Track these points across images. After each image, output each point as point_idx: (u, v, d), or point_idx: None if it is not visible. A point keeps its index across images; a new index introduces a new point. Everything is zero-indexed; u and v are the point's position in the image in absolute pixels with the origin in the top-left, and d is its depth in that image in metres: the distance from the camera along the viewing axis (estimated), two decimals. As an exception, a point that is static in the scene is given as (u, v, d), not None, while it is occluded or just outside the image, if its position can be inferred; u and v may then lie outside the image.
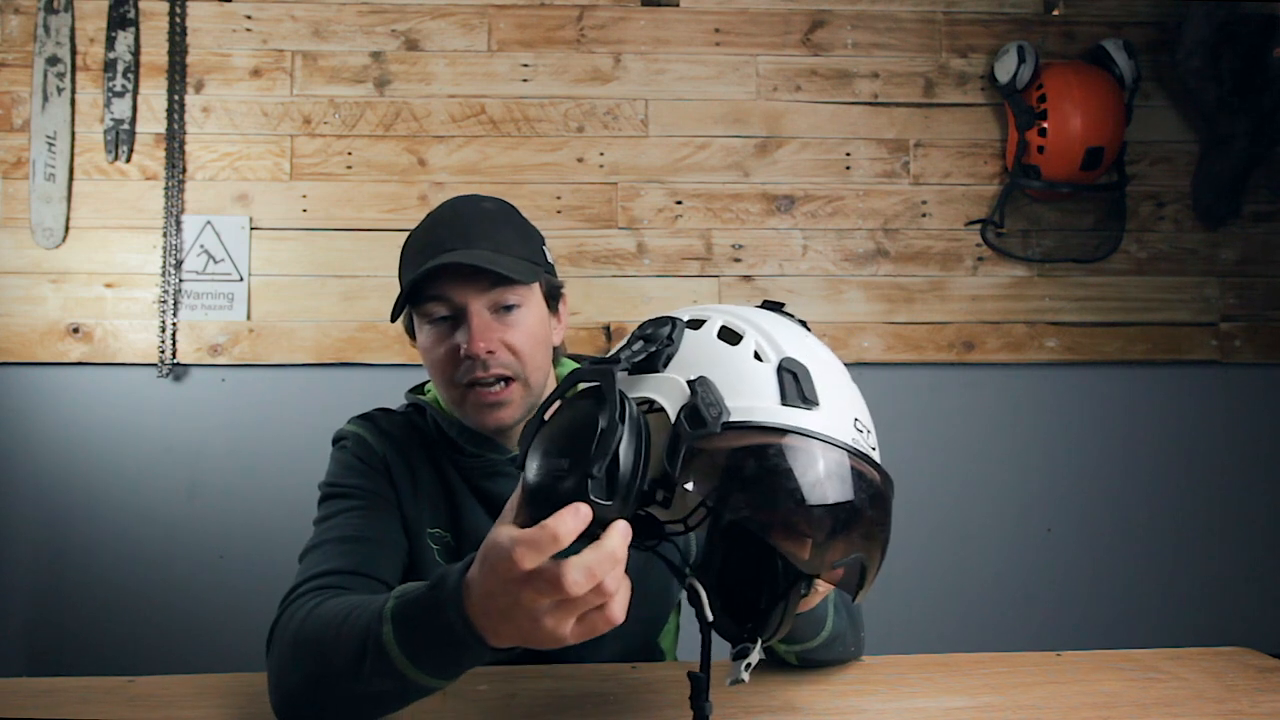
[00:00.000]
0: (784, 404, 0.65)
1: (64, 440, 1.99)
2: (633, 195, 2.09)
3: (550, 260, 1.08)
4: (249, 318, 2.02)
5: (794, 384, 0.65)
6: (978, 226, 2.13)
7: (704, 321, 0.70)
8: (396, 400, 1.15)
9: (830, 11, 2.15)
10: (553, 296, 1.07)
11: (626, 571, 0.62)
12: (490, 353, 0.97)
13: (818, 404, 0.65)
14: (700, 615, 0.70)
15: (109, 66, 2.01)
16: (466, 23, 2.09)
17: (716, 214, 2.11)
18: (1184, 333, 2.15)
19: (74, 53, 2.02)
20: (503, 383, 0.99)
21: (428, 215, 1.06)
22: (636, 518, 0.70)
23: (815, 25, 2.15)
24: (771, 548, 0.67)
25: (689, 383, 0.65)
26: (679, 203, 2.10)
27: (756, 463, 0.63)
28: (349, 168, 2.05)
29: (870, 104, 2.14)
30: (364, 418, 1.09)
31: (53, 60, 2.00)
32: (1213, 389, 2.16)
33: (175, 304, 2.00)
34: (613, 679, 0.96)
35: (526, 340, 1.00)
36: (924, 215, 2.14)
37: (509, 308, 0.99)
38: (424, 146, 2.07)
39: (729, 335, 0.69)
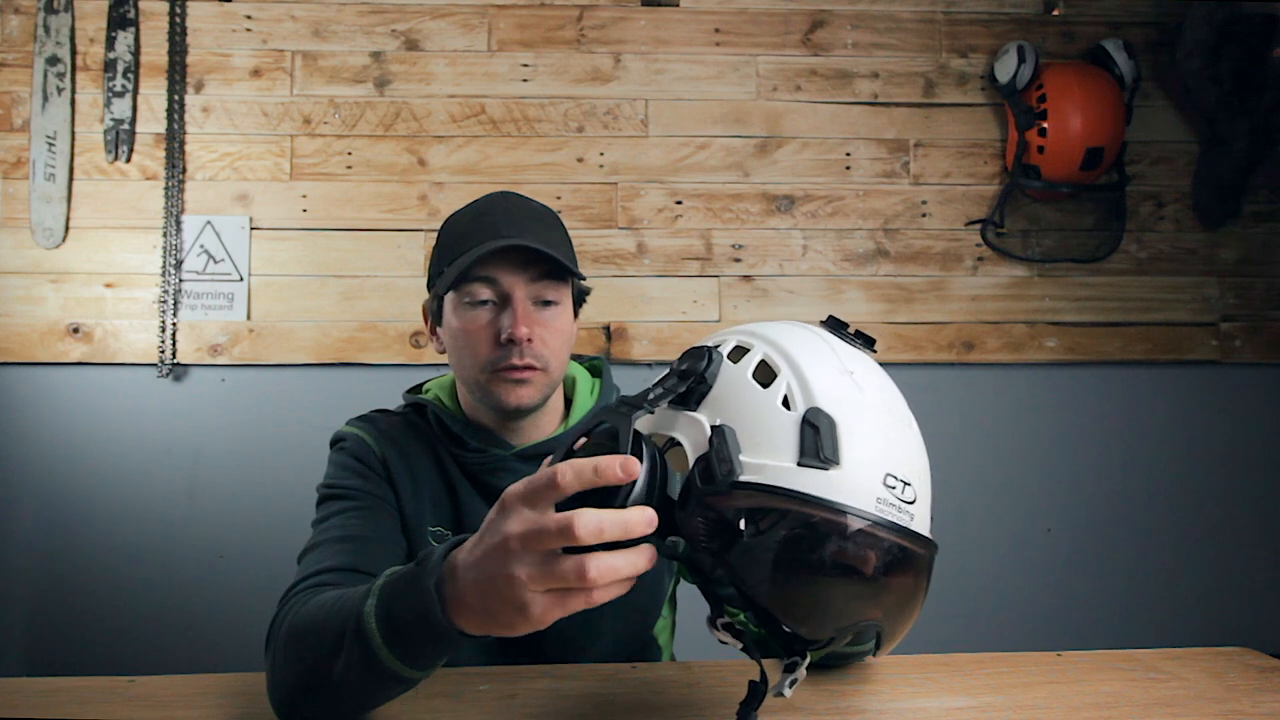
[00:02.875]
0: (800, 462, 0.61)
1: (64, 440, 1.99)
2: (633, 195, 2.09)
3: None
4: (249, 318, 2.02)
5: (814, 439, 0.61)
6: (978, 226, 2.13)
7: (747, 352, 0.67)
8: (396, 400, 1.15)
9: (830, 11, 2.15)
10: (578, 301, 1.10)
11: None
12: (529, 341, 1.00)
13: (838, 463, 0.61)
14: (747, 651, 0.69)
15: (109, 66, 2.01)
16: (466, 23, 2.09)
17: (716, 214, 2.11)
18: (1184, 333, 2.15)
19: (74, 53, 2.02)
20: (529, 369, 1.01)
21: (471, 204, 1.07)
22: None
23: (815, 25, 2.15)
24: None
25: (713, 429, 0.63)
26: (679, 203, 2.10)
27: (756, 529, 0.60)
28: (349, 168, 2.05)
29: (870, 104, 2.14)
30: (362, 419, 1.10)
31: (53, 60, 2.00)
32: (1213, 389, 2.16)
33: (175, 304, 2.00)
34: (613, 679, 0.95)
35: (557, 337, 1.03)
36: (924, 215, 2.14)
37: (547, 303, 1.03)
38: (424, 146, 2.07)
39: (764, 374, 0.65)
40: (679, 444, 0.65)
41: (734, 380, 0.66)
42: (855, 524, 0.60)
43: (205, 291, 2.01)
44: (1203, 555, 2.14)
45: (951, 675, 0.98)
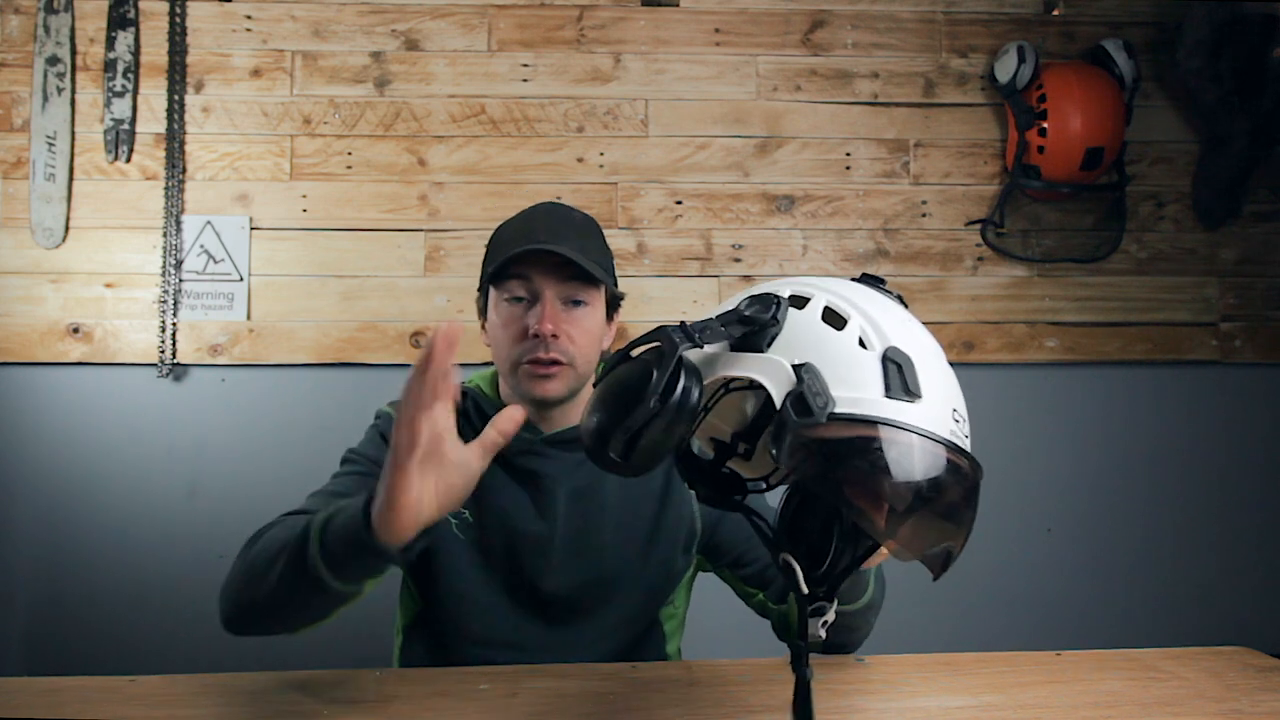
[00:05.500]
0: (888, 395, 0.65)
1: (64, 440, 1.99)
2: (633, 195, 2.09)
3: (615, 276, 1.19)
4: (249, 318, 2.02)
5: (898, 375, 0.65)
6: (978, 226, 2.13)
7: (808, 300, 0.70)
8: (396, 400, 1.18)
9: (830, 11, 2.15)
10: (612, 306, 1.17)
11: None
12: (554, 336, 1.07)
13: (920, 396, 0.65)
14: (795, 588, 0.72)
15: (109, 66, 2.01)
16: (466, 23, 2.09)
17: (716, 214, 2.11)
18: (1184, 333, 2.15)
19: (74, 53, 2.02)
20: (555, 364, 1.08)
21: (519, 213, 1.18)
22: (719, 475, 0.77)
23: (815, 25, 2.15)
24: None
25: (795, 368, 0.66)
26: (679, 203, 2.10)
27: (861, 456, 0.64)
28: (349, 168, 2.05)
29: (870, 104, 2.14)
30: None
31: (53, 60, 2.00)
32: (1213, 389, 2.16)
33: (175, 304, 2.00)
34: (613, 678, 0.96)
35: (584, 335, 1.10)
36: (924, 215, 2.14)
37: (577, 303, 1.10)
38: (424, 146, 2.07)
39: (833, 318, 0.69)
40: (743, 386, 0.69)
41: (805, 324, 0.69)
42: (943, 450, 0.65)
43: (205, 291, 2.01)
44: (1203, 555, 2.14)
45: (951, 675, 0.98)
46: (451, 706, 0.87)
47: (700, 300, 2.09)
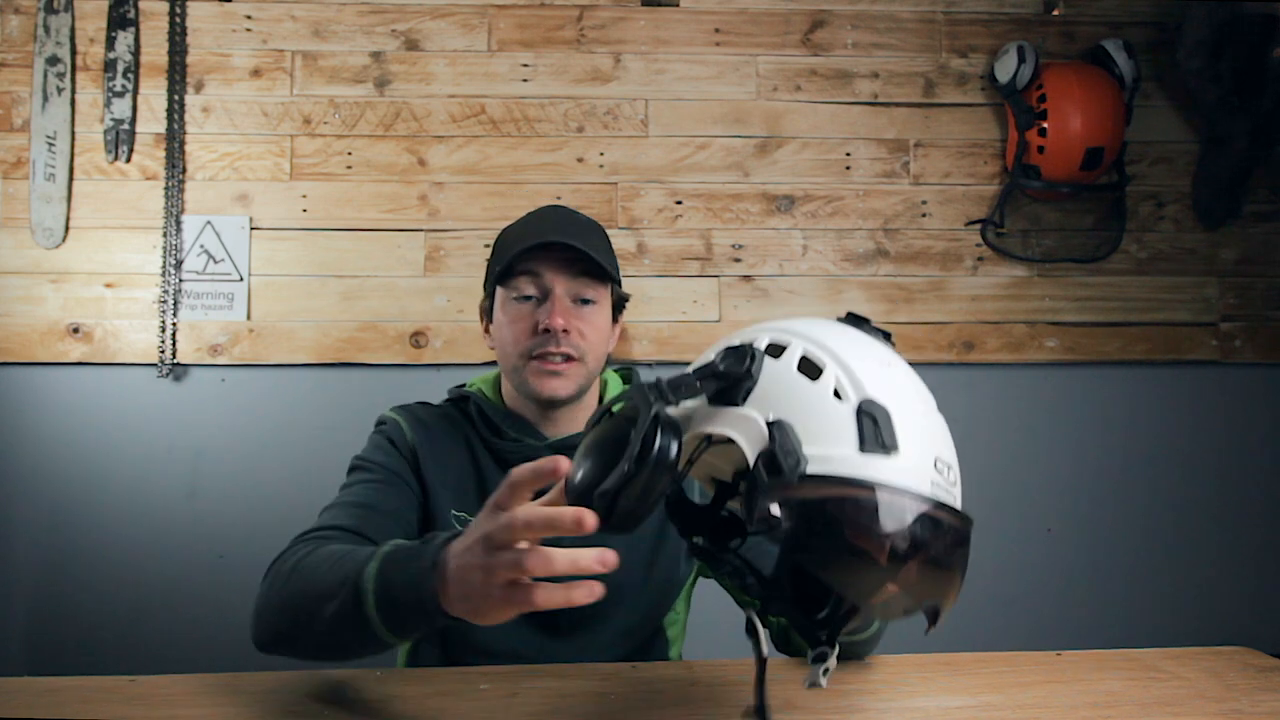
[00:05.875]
0: (863, 450, 0.63)
1: (64, 440, 1.99)
2: (633, 195, 2.10)
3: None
4: (249, 318, 2.02)
5: (873, 428, 0.63)
6: (978, 226, 2.13)
7: (784, 349, 0.68)
8: (395, 401, 1.20)
9: (830, 11, 2.15)
10: (618, 307, 1.18)
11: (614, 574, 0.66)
12: (565, 331, 1.08)
13: (897, 449, 0.63)
14: (756, 650, 0.71)
15: (109, 66, 2.01)
16: (466, 23, 2.09)
17: (716, 214, 2.11)
18: (1184, 333, 2.15)
19: (74, 53, 2.02)
20: (566, 360, 1.09)
21: (525, 216, 1.18)
22: (720, 518, 0.76)
23: (815, 25, 2.15)
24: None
25: (768, 424, 0.64)
26: (679, 203, 2.10)
27: (834, 517, 0.63)
28: (349, 168, 2.05)
29: (870, 104, 2.14)
30: (403, 408, 1.18)
31: (53, 60, 2.00)
32: (1213, 389, 2.16)
33: (175, 304, 2.00)
34: (613, 678, 0.96)
35: (595, 332, 1.11)
36: (924, 215, 2.14)
37: (585, 301, 1.11)
38: (424, 146, 2.07)
39: (809, 368, 0.67)
40: (724, 441, 0.67)
41: (780, 375, 0.67)
42: (923, 507, 0.63)
43: (205, 291, 2.01)
44: (1203, 555, 2.14)
45: (951, 675, 0.98)
46: (451, 706, 0.87)
47: (700, 300, 2.09)
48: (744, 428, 0.65)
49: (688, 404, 0.69)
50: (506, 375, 1.15)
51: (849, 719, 0.86)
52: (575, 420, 1.14)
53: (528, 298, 1.10)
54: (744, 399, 0.67)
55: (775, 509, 0.63)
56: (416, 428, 1.14)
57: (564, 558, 0.65)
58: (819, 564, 0.65)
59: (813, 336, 0.69)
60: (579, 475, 0.66)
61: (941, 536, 0.64)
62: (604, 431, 0.67)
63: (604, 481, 0.63)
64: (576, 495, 0.66)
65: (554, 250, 1.09)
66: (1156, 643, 1.10)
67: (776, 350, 0.69)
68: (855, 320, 0.73)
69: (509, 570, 0.66)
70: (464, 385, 1.23)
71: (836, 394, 0.65)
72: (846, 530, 0.62)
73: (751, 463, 0.64)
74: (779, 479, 0.62)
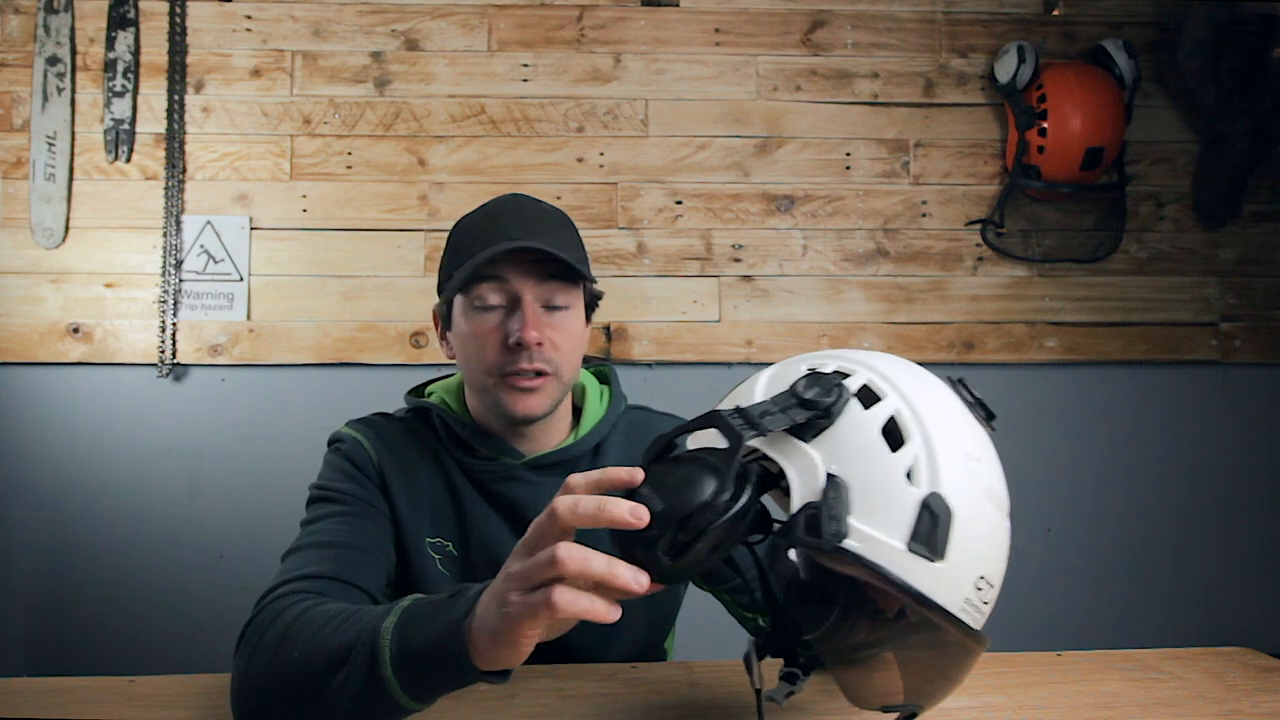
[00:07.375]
0: (910, 546, 0.58)
1: (64, 440, 1.99)
2: (633, 195, 2.09)
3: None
4: (249, 318, 2.02)
5: (930, 527, 0.58)
6: (978, 226, 2.13)
7: (878, 400, 0.63)
8: (396, 401, 1.13)
9: (830, 11, 2.15)
10: (590, 306, 1.07)
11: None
12: (539, 344, 0.96)
13: (943, 557, 0.58)
14: (752, 682, 0.69)
15: (109, 66, 2.01)
16: (466, 23, 2.09)
17: (716, 214, 2.11)
18: (1184, 333, 2.15)
19: (74, 53, 2.02)
20: (539, 375, 0.98)
21: (482, 206, 1.04)
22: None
23: (815, 25, 2.15)
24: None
25: (828, 476, 0.59)
26: (679, 203, 2.10)
27: (849, 599, 0.60)
28: (349, 168, 2.05)
29: (870, 104, 2.14)
30: (362, 422, 1.06)
31: (53, 60, 2.00)
32: (1213, 389, 2.16)
33: (175, 304, 2.00)
34: (613, 678, 0.95)
35: (568, 341, 1.00)
36: (924, 215, 2.14)
37: (557, 307, 0.99)
38: (424, 146, 2.07)
39: (893, 434, 0.61)
40: (784, 474, 0.62)
41: (860, 428, 0.61)
42: (941, 622, 0.59)
43: (205, 291, 2.01)
44: (1203, 555, 2.14)
45: (952, 675, 0.98)
46: (451, 707, 0.87)
47: (700, 300, 2.09)
48: (802, 468, 0.60)
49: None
50: (474, 392, 1.03)
51: (849, 718, 0.86)
52: (550, 434, 1.05)
53: (493, 307, 0.98)
54: (812, 436, 0.61)
55: (794, 553, 0.60)
56: (380, 446, 1.02)
57: (602, 561, 0.59)
58: (812, 625, 0.62)
59: (910, 398, 0.63)
60: (650, 509, 0.60)
61: (945, 653, 0.61)
62: (684, 474, 0.61)
63: (685, 523, 0.58)
64: (641, 542, 0.60)
65: (522, 251, 0.96)
66: (1157, 643, 1.10)
67: (869, 398, 0.63)
68: (961, 387, 0.68)
69: (542, 570, 0.60)
70: (422, 392, 1.12)
71: (909, 475, 0.59)
72: (855, 614, 0.60)
73: (794, 509, 0.60)
74: (814, 540, 0.58)
